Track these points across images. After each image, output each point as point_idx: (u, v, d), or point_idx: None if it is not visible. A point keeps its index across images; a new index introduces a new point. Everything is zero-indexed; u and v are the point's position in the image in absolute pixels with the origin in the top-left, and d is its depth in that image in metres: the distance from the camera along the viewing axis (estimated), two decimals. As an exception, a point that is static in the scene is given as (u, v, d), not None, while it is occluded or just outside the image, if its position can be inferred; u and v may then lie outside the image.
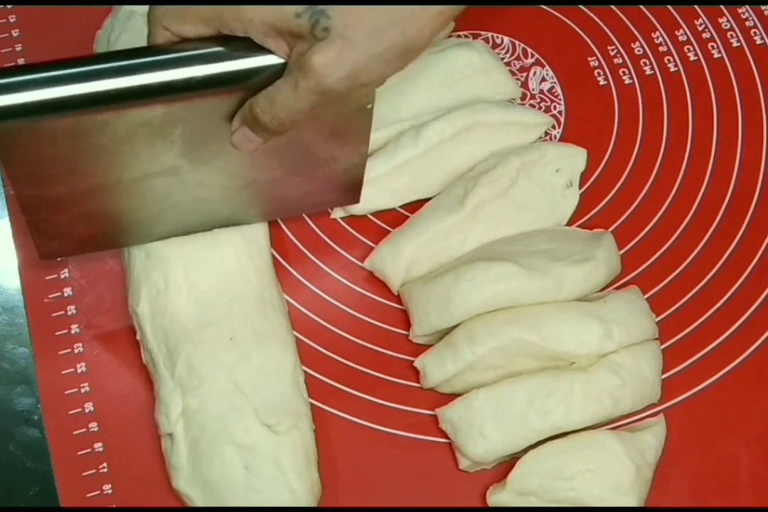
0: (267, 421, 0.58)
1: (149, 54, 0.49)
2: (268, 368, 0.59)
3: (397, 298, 0.65)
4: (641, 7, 0.74)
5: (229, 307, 0.60)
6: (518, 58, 0.73)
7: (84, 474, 0.60)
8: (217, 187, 0.59)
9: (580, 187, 0.68)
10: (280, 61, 0.49)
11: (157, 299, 0.61)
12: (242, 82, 0.50)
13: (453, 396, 0.61)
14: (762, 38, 0.74)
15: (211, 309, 0.60)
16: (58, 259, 0.65)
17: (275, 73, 0.50)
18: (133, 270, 0.62)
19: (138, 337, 0.62)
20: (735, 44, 0.73)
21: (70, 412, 0.62)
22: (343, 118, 0.54)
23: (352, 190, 0.64)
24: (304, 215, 0.67)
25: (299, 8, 0.48)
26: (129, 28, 0.66)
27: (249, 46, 0.49)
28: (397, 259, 0.64)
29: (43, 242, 0.60)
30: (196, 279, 0.61)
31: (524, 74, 0.72)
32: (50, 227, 0.59)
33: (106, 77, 0.48)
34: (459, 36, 0.73)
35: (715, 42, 0.73)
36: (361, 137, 0.58)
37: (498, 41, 0.73)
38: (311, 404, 0.61)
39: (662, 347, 0.63)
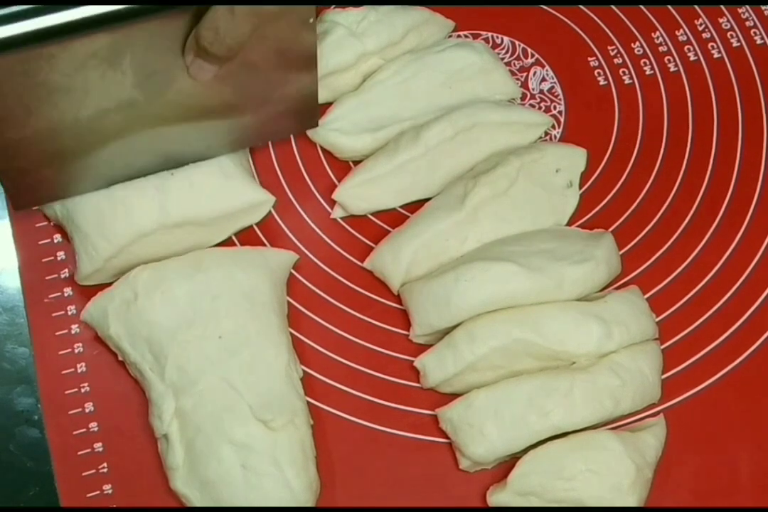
0: (262, 417, 0.57)
1: None
2: (260, 365, 0.59)
3: (397, 298, 0.65)
4: (641, 7, 0.74)
5: (212, 306, 0.60)
6: (518, 58, 0.73)
7: (84, 474, 0.60)
8: (175, 118, 0.60)
9: (580, 187, 0.68)
10: None
11: (128, 312, 0.60)
12: (175, 6, 0.51)
13: (453, 396, 0.61)
14: (762, 38, 0.74)
15: (192, 308, 0.60)
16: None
17: None
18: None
19: (120, 358, 0.62)
20: (735, 44, 0.73)
21: (70, 412, 0.62)
22: (287, 35, 0.56)
23: (309, 114, 0.65)
24: (304, 215, 0.67)
25: None
26: None
27: None
28: (397, 259, 0.64)
29: (14, 191, 0.61)
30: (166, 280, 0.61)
31: (524, 74, 0.72)
32: (17, 174, 0.59)
33: (45, 13, 0.49)
34: (459, 36, 0.73)
35: (715, 42, 0.73)
36: (308, 55, 0.59)
37: (498, 41, 0.73)
38: (311, 403, 0.62)
39: (662, 347, 0.63)
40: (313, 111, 0.65)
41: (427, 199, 0.67)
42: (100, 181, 0.62)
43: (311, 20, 0.56)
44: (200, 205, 0.63)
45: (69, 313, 0.64)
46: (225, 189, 0.64)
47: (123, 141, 0.59)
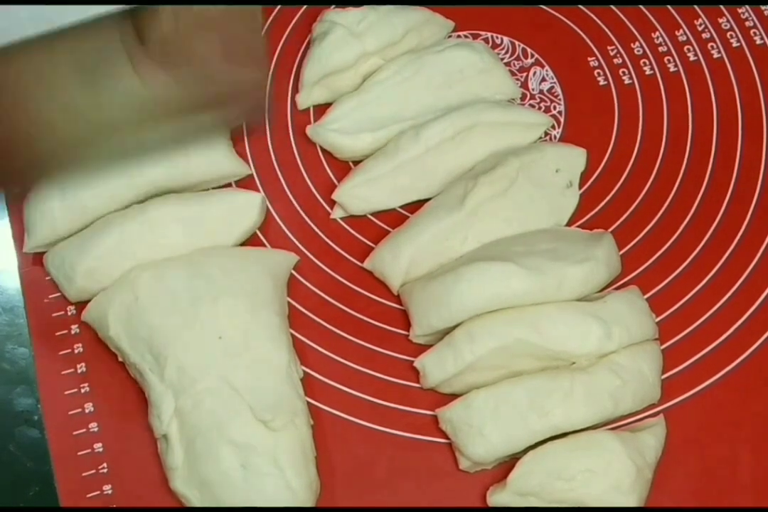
0: (262, 417, 0.57)
1: None
2: (260, 365, 0.59)
3: (397, 298, 0.65)
4: (641, 7, 0.74)
5: (212, 306, 0.60)
6: (518, 58, 0.73)
7: (84, 474, 0.60)
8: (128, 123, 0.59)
9: (580, 187, 0.68)
10: None
11: (128, 313, 0.60)
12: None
13: (453, 396, 0.61)
14: (762, 38, 0.74)
15: (192, 308, 0.60)
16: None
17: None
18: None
19: (120, 359, 0.62)
20: (735, 44, 0.73)
21: (70, 412, 0.62)
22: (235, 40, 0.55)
23: (257, 111, 0.65)
24: (304, 215, 0.67)
25: None
26: None
27: None
28: (397, 259, 0.64)
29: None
30: (169, 279, 0.61)
31: (524, 74, 0.72)
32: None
33: None
34: (459, 36, 0.73)
35: (715, 42, 0.73)
36: (257, 59, 0.58)
37: (498, 41, 0.73)
38: (311, 403, 0.62)
39: (662, 347, 0.63)
40: (260, 109, 0.65)
41: (427, 199, 0.66)
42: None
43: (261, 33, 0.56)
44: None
45: (69, 313, 0.64)
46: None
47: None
